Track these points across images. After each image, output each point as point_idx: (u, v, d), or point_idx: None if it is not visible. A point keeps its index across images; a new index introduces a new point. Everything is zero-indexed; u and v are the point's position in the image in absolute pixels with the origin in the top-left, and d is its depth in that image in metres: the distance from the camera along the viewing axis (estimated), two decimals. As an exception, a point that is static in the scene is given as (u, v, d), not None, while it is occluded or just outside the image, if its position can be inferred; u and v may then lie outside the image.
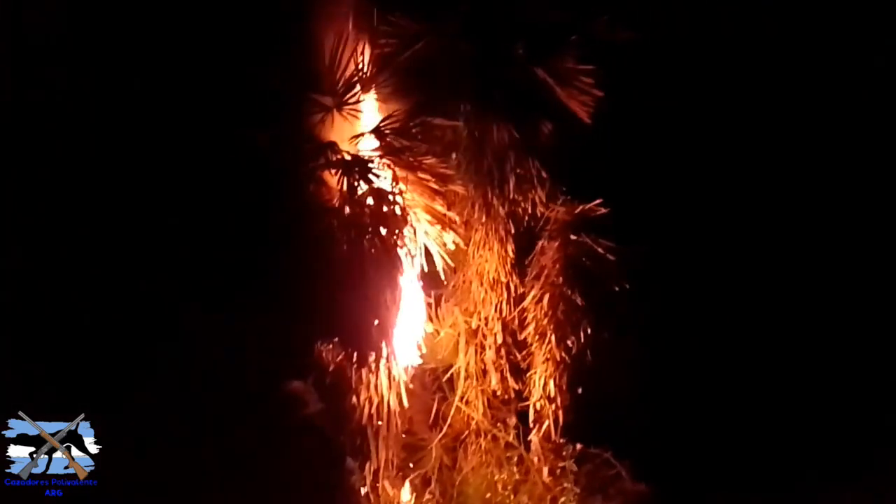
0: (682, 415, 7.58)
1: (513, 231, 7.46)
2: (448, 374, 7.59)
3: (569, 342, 7.32)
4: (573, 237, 7.30)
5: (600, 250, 7.26)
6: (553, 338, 7.34)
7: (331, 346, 6.87)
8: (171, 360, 6.90)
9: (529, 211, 7.42)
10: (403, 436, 7.29)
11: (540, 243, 7.42)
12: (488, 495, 7.41)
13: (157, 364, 6.91)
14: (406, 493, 7.35)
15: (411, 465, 7.44)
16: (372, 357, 6.92)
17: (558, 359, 7.34)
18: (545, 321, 7.36)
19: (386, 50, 7.06)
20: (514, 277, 7.49)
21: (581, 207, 7.32)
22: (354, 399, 6.95)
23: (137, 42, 6.66)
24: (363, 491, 7.01)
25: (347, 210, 6.78)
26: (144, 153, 6.70)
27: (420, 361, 7.42)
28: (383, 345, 6.95)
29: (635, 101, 7.34)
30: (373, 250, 6.84)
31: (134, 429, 6.78)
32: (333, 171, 6.77)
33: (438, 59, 7.20)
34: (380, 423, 7.02)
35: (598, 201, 7.27)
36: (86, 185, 6.98)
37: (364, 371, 6.93)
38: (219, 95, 6.55)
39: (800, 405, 7.89)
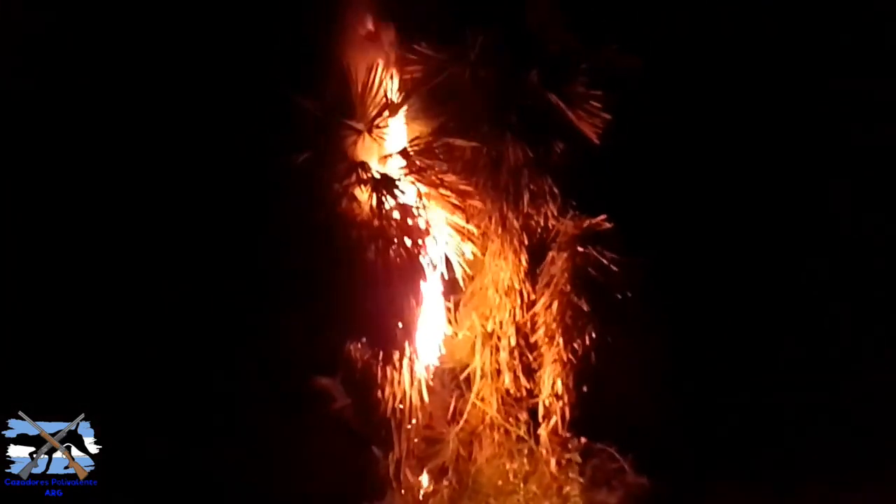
0: (682, 412, 7.77)
1: (526, 242, 7.76)
2: (465, 373, 7.84)
3: (575, 345, 7.63)
4: (581, 249, 7.63)
5: (605, 261, 7.59)
6: (561, 341, 7.65)
7: (359, 345, 7.28)
8: (212, 358, 7.34)
9: (542, 224, 7.75)
10: (424, 429, 7.59)
11: (550, 254, 7.73)
12: (500, 483, 7.62)
13: (200, 361, 7.34)
14: (425, 480, 7.65)
15: (430, 456, 7.65)
16: (396, 356, 7.34)
17: (565, 360, 7.65)
18: (554, 325, 7.67)
19: (412, 77, 7.50)
20: (527, 285, 7.78)
21: (588, 221, 7.65)
22: (380, 394, 7.36)
23: (192, 67, 7.16)
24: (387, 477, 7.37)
25: (376, 223, 7.23)
26: (192, 167, 7.17)
27: (439, 361, 7.76)
28: (406, 345, 7.37)
29: (641, 122, 7.66)
30: (398, 259, 7.29)
31: (172, 422, 7.22)
32: (364, 188, 7.22)
33: (459, 85, 7.60)
34: (402, 416, 7.38)
35: (603, 217, 7.62)
36: (124, 190, 7.39)
37: (389, 369, 7.34)
38: (264, 120, 7.03)
39: (796, 405, 8.10)
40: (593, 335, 7.62)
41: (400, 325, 7.34)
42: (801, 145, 8.41)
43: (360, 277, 7.18)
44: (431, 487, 7.63)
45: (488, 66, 7.60)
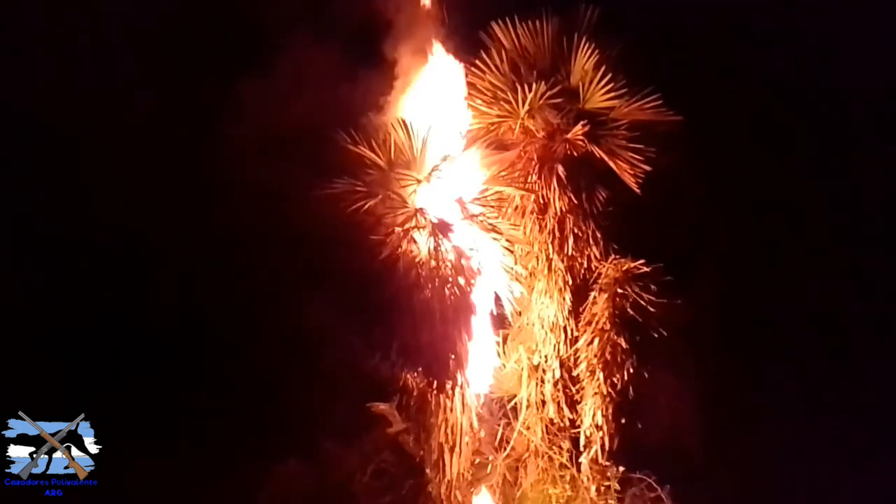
0: (719, 445, 8.11)
1: (570, 283, 8.26)
2: (512, 403, 8.31)
3: (615, 379, 8.08)
4: (621, 290, 8.09)
5: (643, 302, 8.05)
6: (601, 375, 8.11)
7: (416, 374, 7.76)
8: (279, 386, 7.85)
9: (585, 266, 8.26)
10: (473, 454, 8.03)
11: (592, 294, 8.22)
12: (543, 506, 8.08)
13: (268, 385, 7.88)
14: (474, 501, 8.10)
15: (479, 479, 8.13)
16: (449, 385, 7.82)
17: (605, 393, 8.11)
18: (595, 360, 8.14)
19: (468, 131, 8.08)
20: (571, 322, 8.27)
21: (628, 265, 8.11)
22: (433, 420, 7.83)
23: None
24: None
25: (433, 263, 7.77)
26: (278, 219, 7.73)
27: (489, 391, 8.22)
28: (458, 375, 7.85)
29: (679, 173, 8.10)
30: (452, 297, 7.81)
31: (242, 442, 7.75)
32: (422, 231, 7.75)
33: (511, 138, 8.21)
34: (453, 442, 7.80)
35: (642, 261, 8.06)
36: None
37: (442, 397, 7.82)
38: (337, 172, 7.61)
39: (831, 437, 8.46)
40: (631, 370, 8.06)
41: (452, 356, 7.83)
42: (834, 191, 8.83)
43: (418, 312, 7.70)
44: (479, 509, 8.09)
45: (537, 120, 8.18)
